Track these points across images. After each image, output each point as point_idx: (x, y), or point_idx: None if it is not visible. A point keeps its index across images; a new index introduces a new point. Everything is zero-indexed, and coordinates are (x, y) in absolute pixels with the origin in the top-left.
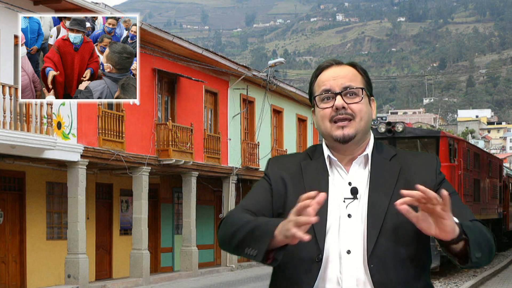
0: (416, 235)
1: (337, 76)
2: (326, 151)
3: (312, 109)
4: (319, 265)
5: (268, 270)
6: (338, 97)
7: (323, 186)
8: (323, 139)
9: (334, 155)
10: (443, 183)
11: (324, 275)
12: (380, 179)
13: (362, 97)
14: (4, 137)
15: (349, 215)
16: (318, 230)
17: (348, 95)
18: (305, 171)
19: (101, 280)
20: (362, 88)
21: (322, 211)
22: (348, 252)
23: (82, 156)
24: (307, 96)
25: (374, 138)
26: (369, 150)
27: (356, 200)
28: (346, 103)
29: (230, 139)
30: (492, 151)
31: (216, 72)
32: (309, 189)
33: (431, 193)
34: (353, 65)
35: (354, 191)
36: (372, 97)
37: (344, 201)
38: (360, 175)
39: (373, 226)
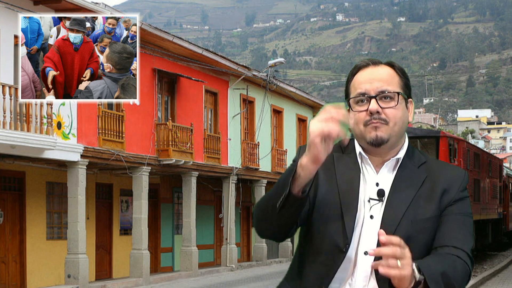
0: (427, 246)
1: (374, 79)
2: (358, 148)
3: (348, 108)
4: (344, 254)
5: (268, 270)
6: (373, 101)
7: (355, 183)
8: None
9: (366, 154)
10: (461, 200)
11: (339, 274)
12: (402, 183)
13: (398, 102)
14: (4, 137)
15: (371, 216)
16: (347, 224)
17: (384, 98)
18: (337, 162)
19: (101, 280)
20: (398, 93)
21: (352, 208)
22: (365, 253)
23: (82, 156)
24: (307, 96)
25: None
26: (401, 154)
27: (380, 202)
28: (381, 107)
29: (230, 139)
30: (492, 151)
31: (216, 72)
32: (340, 181)
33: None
34: (391, 65)
35: (381, 193)
36: (410, 99)
37: (369, 201)
38: (388, 178)
39: (386, 231)
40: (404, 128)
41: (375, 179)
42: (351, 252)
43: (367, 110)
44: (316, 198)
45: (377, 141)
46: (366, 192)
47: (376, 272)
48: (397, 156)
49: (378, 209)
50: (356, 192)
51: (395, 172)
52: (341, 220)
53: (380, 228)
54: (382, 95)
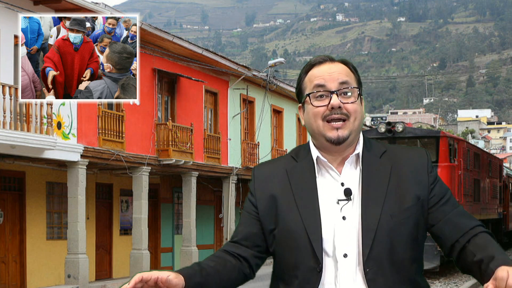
0: (411, 236)
1: (333, 72)
2: (315, 152)
3: (299, 105)
4: (320, 275)
5: (268, 270)
6: (334, 96)
7: (311, 189)
8: (311, 139)
9: (324, 156)
10: (436, 183)
11: (322, 280)
12: (372, 179)
13: (357, 97)
14: (4, 137)
15: (343, 218)
16: (313, 238)
17: (343, 94)
18: (291, 176)
19: (101, 280)
20: (357, 88)
21: (315, 216)
22: (345, 256)
23: (82, 156)
24: None
25: (373, 138)
26: (359, 149)
27: (350, 201)
28: (342, 102)
29: (230, 139)
30: (492, 151)
31: (216, 72)
32: (296, 194)
33: None
34: (345, 62)
35: (348, 192)
36: (361, 96)
37: (338, 203)
38: (352, 175)
39: (368, 229)
40: (362, 123)
41: (339, 179)
42: (329, 258)
43: (327, 105)
44: (276, 229)
45: (338, 140)
46: (332, 195)
47: (364, 274)
48: (356, 152)
49: (350, 209)
50: (316, 204)
51: (358, 168)
52: (309, 243)
53: (361, 227)
54: (341, 90)
